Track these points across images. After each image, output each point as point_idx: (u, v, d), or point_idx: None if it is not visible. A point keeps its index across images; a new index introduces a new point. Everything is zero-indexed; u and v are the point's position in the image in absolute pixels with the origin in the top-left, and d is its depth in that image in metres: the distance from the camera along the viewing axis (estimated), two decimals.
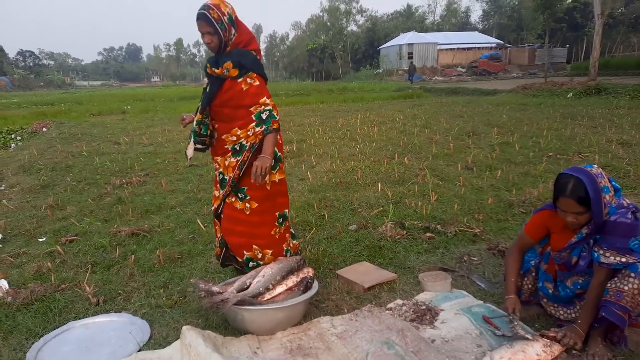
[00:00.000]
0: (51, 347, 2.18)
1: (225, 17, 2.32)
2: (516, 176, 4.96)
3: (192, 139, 2.45)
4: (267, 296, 2.27)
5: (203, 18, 2.29)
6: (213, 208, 2.63)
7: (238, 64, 2.35)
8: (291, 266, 2.41)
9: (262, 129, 2.33)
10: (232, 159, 2.44)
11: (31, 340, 2.25)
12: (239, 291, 2.25)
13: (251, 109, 2.36)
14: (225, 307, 2.14)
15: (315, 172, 5.61)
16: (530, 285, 2.32)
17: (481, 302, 2.43)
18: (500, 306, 2.35)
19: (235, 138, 2.41)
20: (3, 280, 2.82)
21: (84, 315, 2.47)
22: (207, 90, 2.45)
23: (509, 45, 46.36)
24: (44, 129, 11.77)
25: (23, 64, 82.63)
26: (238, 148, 2.42)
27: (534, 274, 2.30)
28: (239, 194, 2.48)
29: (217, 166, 2.55)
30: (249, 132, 2.37)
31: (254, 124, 2.36)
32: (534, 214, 2.28)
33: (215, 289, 2.25)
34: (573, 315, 2.14)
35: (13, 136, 10.78)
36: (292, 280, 2.36)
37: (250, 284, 2.31)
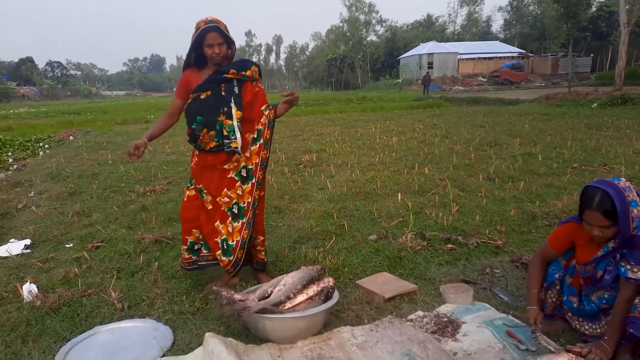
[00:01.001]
0: (78, 350, 2.24)
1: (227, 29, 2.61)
2: (539, 187, 4.88)
3: (238, 133, 2.60)
4: (288, 305, 2.29)
5: (217, 30, 2.51)
6: (247, 203, 2.72)
7: (258, 68, 2.75)
8: (312, 275, 2.42)
9: (270, 109, 2.74)
10: (253, 147, 2.72)
11: (59, 343, 2.31)
12: (260, 299, 2.27)
13: (262, 108, 2.74)
14: (247, 315, 2.16)
15: (334, 182, 5.63)
16: (554, 299, 2.27)
17: (504, 315, 2.40)
18: (521, 318, 2.32)
19: (256, 134, 2.73)
20: (32, 284, 2.90)
21: (109, 320, 2.52)
22: (234, 93, 2.62)
23: (531, 54, 45.77)
24: (71, 138, 12.13)
25: (51, 74, 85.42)
26: (255, 136, 2.72)
27: (558, 287, 2.26)
28: (258, 185, 2.77)
29: (236, 164, 2.69)
30: (262, 120, 2.74)
31: (264, 115, 2.75)
32: (558, 226, 2.24)
33: (237, 296, 2.28)
34: (598, 330, 2.09)
35: (41, 144, 11.14)
36: (312, 290, 2.37)
37: (272, 292, 2.33)
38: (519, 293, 2.65)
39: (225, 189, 2.70)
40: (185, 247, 2.81)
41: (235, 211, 2.73)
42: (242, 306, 2.19)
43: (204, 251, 2.82)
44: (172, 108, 2.75)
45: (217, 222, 2.73)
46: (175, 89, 2.79)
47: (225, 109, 2.60)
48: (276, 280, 2.42)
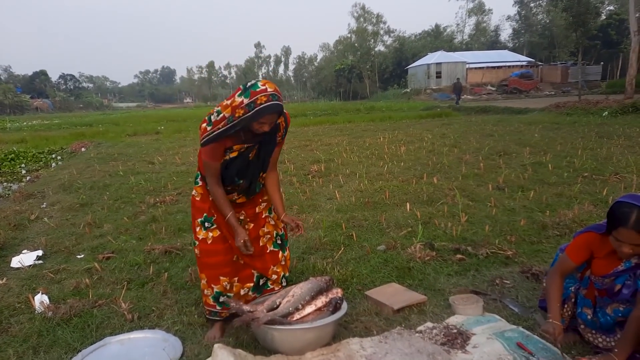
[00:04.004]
0: None
1: None
2: (550, 197, 4.84)
3: None
4: (297, 316, 2.29)
5: (280, 109, 2.16)
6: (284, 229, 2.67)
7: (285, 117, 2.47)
8: (320, 286, 2.42)
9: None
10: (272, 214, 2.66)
11: (70, 354, 2.33)
12: (269, 310, 2.28)
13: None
14: (256, 326, 2.17)
15: (343, 192, 5.63)
16: (569, 313, 2.22)
17: (514, 326, 2.38)
18: (534, 332, 2.29)
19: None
20: (44, 295, 2.93)
21: (119, 331, 2.54)
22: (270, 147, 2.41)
23: (540, 63, 45.59)
24: (83, 149, 12.30)
25: (64, 86, 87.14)
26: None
27: (573, 300, 2.21)
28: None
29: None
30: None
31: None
32: (577, 236, 2.16)
33: (246, 307, 2.28)
34: (613, 343, 2.05)
35: (54, 156, 11.32)
36: (321, 301, 2.37)
37: (280, 303, 2.33)
38: (530, 304, 2.62)
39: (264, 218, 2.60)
40: (211, 294, 2.45)
41: (279, 242, 2.65)
42: (250, 317, 2.19)
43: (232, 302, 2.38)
44: (215, 173, 2.31)
45: (272, 267, 2.60)
46: (204, 154, 2.30)
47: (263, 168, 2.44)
48: (285, 292, 2.42)
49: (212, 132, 2.18)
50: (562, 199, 4.78)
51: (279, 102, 2.14)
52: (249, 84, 2.15)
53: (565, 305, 2.23)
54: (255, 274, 2.56)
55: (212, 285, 2.44)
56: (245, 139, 2.27)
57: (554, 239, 3.64)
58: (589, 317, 2.14)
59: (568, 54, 47.56)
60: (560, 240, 3.56)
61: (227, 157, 2.29)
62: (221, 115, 2.14)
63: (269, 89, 2.11)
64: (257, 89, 2.10)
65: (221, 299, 2.44)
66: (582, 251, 2.11)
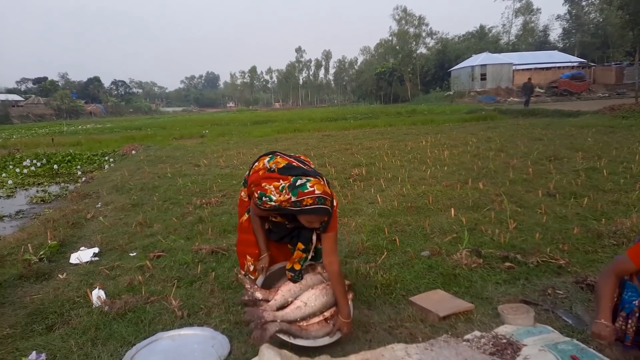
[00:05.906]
0: (142, 356, 2.36)
1: None
2: (605, 204, 4.60)
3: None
4: (303, 323, 2.37)
5: (328, 213, 2.25)
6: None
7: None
8: (335, 302, 2.46)
9: None
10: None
11: (125, 347, 2.45)
12: (279, 308, 2.36)
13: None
14: (263, 339, 2.19)
15: (385, 196, 5.59)
16: (634, 328, 2.07)
17: (568, 339, 2.28)
18: (590, 344, 2.18)
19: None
20: (101, 290, 3.08)
21: (170, 327, 2.64)
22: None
23: (593, 64, 43.49)
24: (133, 152, 12.87)
25: (116, 92, 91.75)
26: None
27: (637, 314, 2.06)
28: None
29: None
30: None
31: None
32: None
33: (258, 295, 2.36)
34: None
35: (107, 158, 11.90)
36: (329, 312, 2.45)
37: (291, 302, 2.40)
38: (586, 315, 2.50)
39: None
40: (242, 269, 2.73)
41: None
42: (261, 321, 2.24)
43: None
44: (258, 213, 2.50)
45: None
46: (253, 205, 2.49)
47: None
48: (299, 289, 2.45)
49: (262, 206, 2.31)
50: (618, 207, 4.53)
51: (325, 206, 2.20)
52: (299, 181, 2.22)
53: (630, 321, 2.09)
54: None
55: (242, 260, 2.67)
56: (290, 220, 2.46)
57: (610, 248, 3.46)
58: None
59: (623, 53, 45.06)
60: (617, 249, 3.38)
61: (270, 219, 2.52)
62: (272, 202, 2.25)
63: (316, 191, 2.18)
64: (305, 190, 2.18)
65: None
66: None
